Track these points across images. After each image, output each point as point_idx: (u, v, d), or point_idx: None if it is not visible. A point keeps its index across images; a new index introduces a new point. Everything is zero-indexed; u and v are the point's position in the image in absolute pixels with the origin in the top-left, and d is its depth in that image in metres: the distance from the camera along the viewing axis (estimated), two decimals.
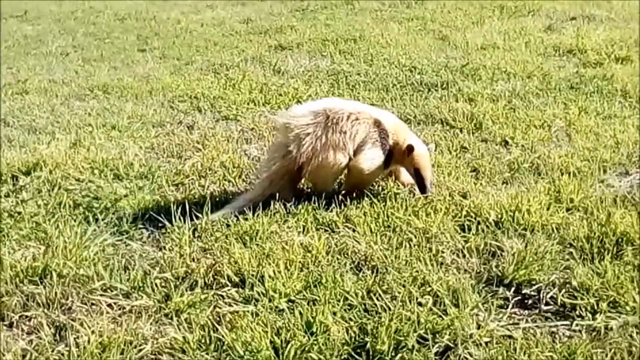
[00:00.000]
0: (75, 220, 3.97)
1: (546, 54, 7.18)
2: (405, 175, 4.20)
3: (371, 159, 3.99)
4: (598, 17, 8.74)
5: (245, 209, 3.93)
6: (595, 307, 2.98)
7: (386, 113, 4.28)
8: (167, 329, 2.99)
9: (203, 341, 2.90)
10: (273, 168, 4.06)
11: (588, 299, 3.02)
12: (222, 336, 2.88)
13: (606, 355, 2.70)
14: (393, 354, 2.79)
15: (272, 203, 3.98)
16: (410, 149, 3.99)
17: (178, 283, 3.31)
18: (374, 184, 4.19)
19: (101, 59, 8.50)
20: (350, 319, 3.00)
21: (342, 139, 3.94)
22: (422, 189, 4.01)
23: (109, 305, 3.18)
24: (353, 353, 2.81)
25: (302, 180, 4.18)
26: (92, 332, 2.95)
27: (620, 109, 5.33)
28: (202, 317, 3.04)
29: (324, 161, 3.95)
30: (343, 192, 4.11)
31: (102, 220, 3.97)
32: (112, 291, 3.28)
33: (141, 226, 3.91)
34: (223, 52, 8.38)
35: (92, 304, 3.20)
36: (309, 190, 4.20)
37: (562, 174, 4.18)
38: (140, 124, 5.73)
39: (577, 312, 2.98)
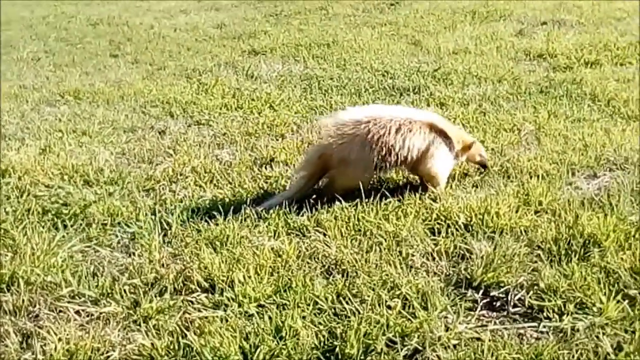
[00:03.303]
0: (43, 227, 3.93)
1: (517, 58, 7.25)
2: None
3: (440, 162, 4.10)
4: (568, 22, 8.83)
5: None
6: (563, 309, 3.00)
7: (436, 116, 4.39)
8: (135, 336, 2.97)
9: (171, 347, 2.88)
10: (309, 168, 4.16)
11: (555, 301, 3.04)
12: (191, 342, 2.87)
13: (572, 357, 2.73)
14: (362, 357, 2.79)
15: (242, 208, 3.98)
16: (473, 142, 4.26)
17: (147, 289, 3.29)
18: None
19: (73, 64, 8.44)
20: (320, 323, 3.00)
21: (381, 155, 3.95)
22: (486, 167, 4.39)
23: (77, 312, 3.15)
24: (322, 357, 2.81)
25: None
26: (59, 339, 2.93)
27: (589, 113, 5.38)
28: (170, 323, 3.02)
29: (351, 173, 4.01)
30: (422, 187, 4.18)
31: (71, 226, 3.94)
32: (80, 298, 3.25)
33: (110, 232, 3.88)
34: (196, 57, 8.36)
35: (60, 311, 3.17)
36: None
37: (531, 177, 4.21)
38: (111, 130, 5.70)
39: (544, 314, 3.00)
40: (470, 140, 4.26)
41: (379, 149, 3.95)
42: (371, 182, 4.17)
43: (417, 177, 4.26)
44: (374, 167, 4.01)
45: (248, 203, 4.09)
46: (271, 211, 3.95)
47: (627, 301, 2.99)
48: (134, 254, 3.64)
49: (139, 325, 3.04)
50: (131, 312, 3.13)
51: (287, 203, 3.98)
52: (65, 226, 3.95)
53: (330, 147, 4.03)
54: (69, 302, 3.22)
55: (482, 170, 4.40)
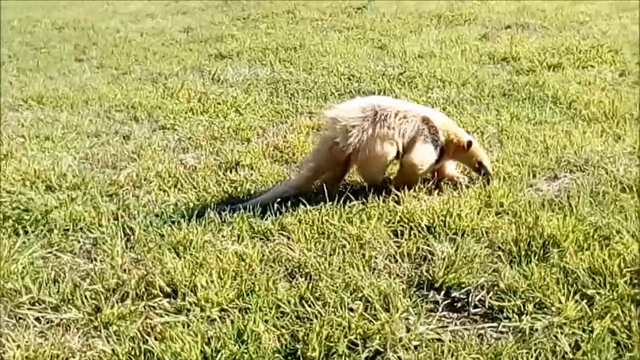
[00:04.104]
0: (4, 234, 3.88)
1: (481, 61, 7.33)
2: (449, 169, 4.35)
3: (423, 154, 4.10)
4: (532, 25, 8.95)
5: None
6: (522, 309, 3.04)
7: (433, 111, 4.43)
8: (95, 342, 2.95)
9: (132, 353, 2.86)
10: (320, 159, 4.20)
11: (515, 301, 3.08)
12: (152, 348, 2.86)
13: (531, 356, 2.76)
14: None
15: (206, 212, 3.97)
16: (469, 144, 4.18)
17: (109, 295, 3.26)
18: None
19: (37, 68, 8.35)
20: (282, 327, 3.00)
21: (391, 133, 4.02)
22: (487, 175, 4.25)
23: (37, 319, 3.12)
24: None
25: (349, 172, 4.29)
26: (18, 346, 2.90)
27: (550, 115, 5.46)
28: (132, 329, 3.00)
29: (372, 153, 4.04)
30: (392, 186, 4.16)
31: (32, 232, 3.90)
32: (40, 304, 3.22)
33: (72, 238, 3.85)
34: (162, 62, 8.33)
35: (20, 318, 3.13)
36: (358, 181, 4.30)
37: (493, 179, 4.25)
38: (74, 135, 5.65)
39: (504, 314, 3.03)
40: (466, 139, 4.22)
41: (387, 127, 4.01)
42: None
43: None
44: (390, 137, 4.03)
45: (212, 207, 4.09)
46: (235, 215, 3.95)
47: (585, 301, 3.03)
48: (95, 259, 3.61)
49: (100, 331, 3.01)
50: (92, 318, 3.11)
51: (293, 193, 4.08)
52: (26, 232, 3.91)
53: (342, 137, 4.03)
54: (29, 308, 3.19)
55: (483, 179, 4.26)
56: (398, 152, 4.10)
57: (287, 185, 4.24)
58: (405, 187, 4.11)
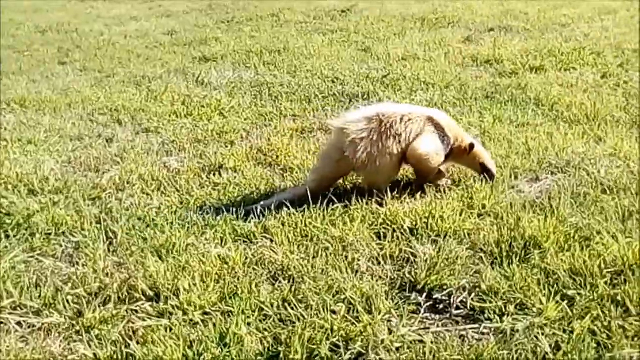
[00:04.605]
0: None
1: (464, 64, 7.36)
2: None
3: (427, 143, 4.13)
4: (515, 28, 9.01)
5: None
6: (503, 310, 3.05)
7: (438, 111, 4.47)
8: (77, 346, 2.94)
9: (114, 357, 2.86)
10: (327, 169, 4.25)
11: (496, 302, 3.10)
12: (134, 351, 2.85)
13: (512, 357, 2.78)
14: None
15: (189, 215, 3.97)
16: (472, 146, 4.25)
17: (91, 299, 3.25)
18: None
19: (20, 72, 8.31)
20: (265, 330, 3.00)
21: (398, 142, 4.08)
22: (491, 177, 4.28)
23: (18, 324, 3.11)
24: None
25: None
26: None
27: (533, 117, 5.50)
28: (114, 333, 2.99)
29: (381, 166, 4.08)
30: (415, 186, 4.25)
31: (14, 236, 3.88)
32: (22, 309, 3.20)
33: (55, 242, 3.83)
34: (146, 64, 8.31)
35: (1, 322, 3.11)
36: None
37: (475, 181, 4.28)
38: (57, 138, 5.62)
39: (485, 315, 3.05)
40: (468, 141, 4.28)
41: (393, 136, 4.06)
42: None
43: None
44: (396, 151, 4.08)
45: (195, 210, 4.09)
46: (218, 218, 3.95)
47: (565, 301, 3.06)
48: (78, 263, 3.60)
49: (82, 335, 3.00)
50: (74, 322, 3.10)
51: (297, 200, 4.06)
52: (7, 236, 3.89)
53: (351, 148, 4.06)
54: (10, 313, 3.17)
55: (486, 178, 4.30)
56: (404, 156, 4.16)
57: (293, 194, 4.20)
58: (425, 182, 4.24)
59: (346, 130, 4.11)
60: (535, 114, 5.60)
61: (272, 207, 4.02)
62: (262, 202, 4.15)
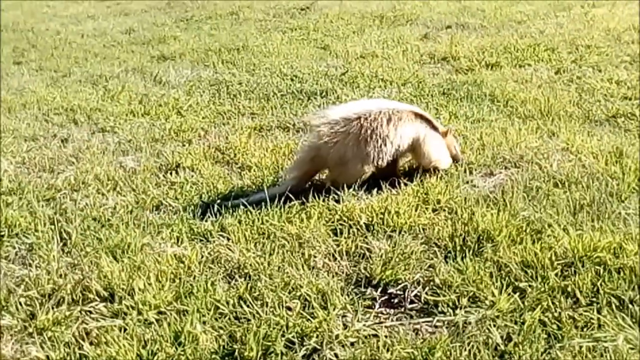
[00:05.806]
0: None
1: (422, 61, 7.41)
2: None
3: (437, 147, 4.33)
4: (472, 25, 9.09)
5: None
6: (457, 303, 3.10)
7: (409, 105, 4.60)
8: (29, 348, 2.91)
9: (67, 359, 2.84)
10: (302, 168, 4.26)
11: (450, 296, 3.14)
12: (87, 352, 2.83)
13: (464, 349, 2.82)
14: (261, 359, 2.82)
15: (145, 215, 3.94)
16: (447, 133, 4.46)
17: (44, 300, 3.22)
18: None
19: None
20: (221, 328, 3.01)
21: (377, 147, 4.10)
22: (458, 159, 4.52)
23: None
24: None
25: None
26: None
27: (488, 113, 5.56)
28: (67, 334, 2.97)
29: (351, 170, 4.15)
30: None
31: None
32: None
33: (7, 244, 3.79)
34: (103, 63, 8.22)
35: None
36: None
37: (431, 176, 4.32)
38: (11, 139, 5.55)
39: (439, 309, 3.09)
40: (444, 129, 4.47)
41: (375, 141, 4.08)
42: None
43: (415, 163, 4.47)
44: (372, 160, 4.14)
45: (151, 209, 4.07)
46: (174, 217, 3.94)
47: (517, 294, 3.11)
48: (31, 265, 3.56)
49: (34, 337, 2.97)
50: (27, 324, 3.07)
51: (277, 198, 4.03)
52: None
53: (324, 148, 4.10)
54: None
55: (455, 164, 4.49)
56: (396, 157, 4.23)
57: (271, 193, 4.14)
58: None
59: (320, 131, 4.14)
60: (490, 109, 5.66)
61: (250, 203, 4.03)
62: (247, 198, 4.11)
